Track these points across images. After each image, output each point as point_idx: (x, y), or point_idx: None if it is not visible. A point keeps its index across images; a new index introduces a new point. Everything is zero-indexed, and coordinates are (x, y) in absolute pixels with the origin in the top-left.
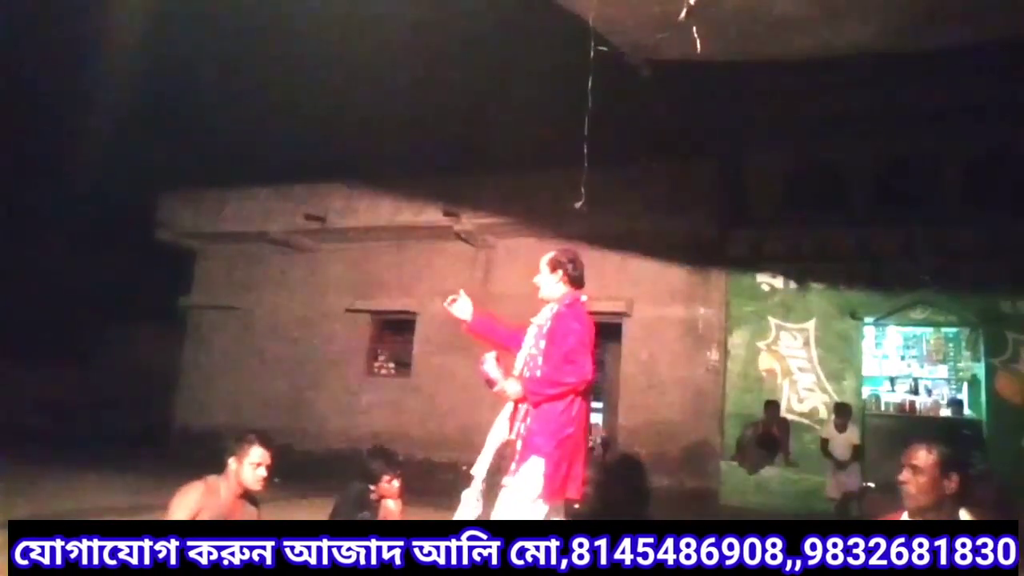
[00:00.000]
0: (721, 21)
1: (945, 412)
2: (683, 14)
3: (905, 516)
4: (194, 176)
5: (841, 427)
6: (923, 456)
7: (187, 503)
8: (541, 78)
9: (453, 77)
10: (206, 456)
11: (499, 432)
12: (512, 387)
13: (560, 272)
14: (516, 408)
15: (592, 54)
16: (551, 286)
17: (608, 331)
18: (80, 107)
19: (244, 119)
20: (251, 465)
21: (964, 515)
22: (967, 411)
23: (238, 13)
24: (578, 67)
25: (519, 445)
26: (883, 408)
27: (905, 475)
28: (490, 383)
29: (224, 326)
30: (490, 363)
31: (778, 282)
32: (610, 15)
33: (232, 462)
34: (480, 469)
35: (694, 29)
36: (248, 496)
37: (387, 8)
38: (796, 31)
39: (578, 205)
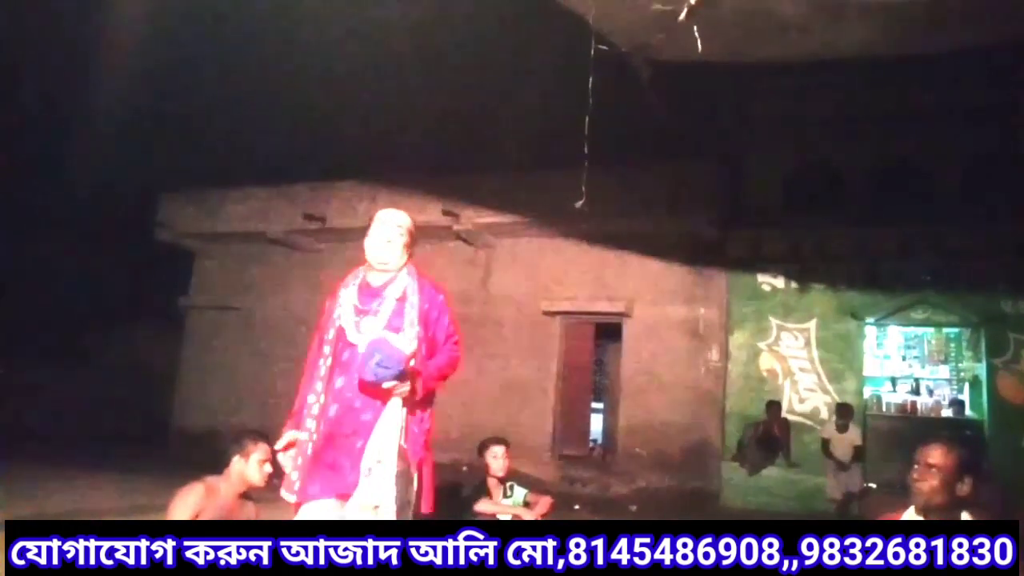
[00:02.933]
0: (721, 21)
1: (947, 412)
2: (683, 14)
3: (905, 516)
4: (194, 176)
5: (842, 427)
6: (940, 455)
7: (188, 504)
8: (541, 78)
9: (453, 77)
10: (205, 456)
11: (392, 439)
12: (409, 383)
13: (412, 249)
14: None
15: (592, 54)
16: (399, 257)
17: (608, 331)
18: (81, 107)
19: (244, 119)
20: (258, 463)
21: (965, 516)
22: (968, 411)
23: (239, 13)
24: (578, 67)
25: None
26: (884, 408)
27: (919, 473)
28: (379, 379)
29: (224, 326)
30: (392, 349)
31: (779, 282)
32: (610, 15)
33: (238, 461)
34: (394, 489)
35: (695, 29)
36: (247, 495)
37: (387, 8)
38: (796, 32)
39: (578, 205)
